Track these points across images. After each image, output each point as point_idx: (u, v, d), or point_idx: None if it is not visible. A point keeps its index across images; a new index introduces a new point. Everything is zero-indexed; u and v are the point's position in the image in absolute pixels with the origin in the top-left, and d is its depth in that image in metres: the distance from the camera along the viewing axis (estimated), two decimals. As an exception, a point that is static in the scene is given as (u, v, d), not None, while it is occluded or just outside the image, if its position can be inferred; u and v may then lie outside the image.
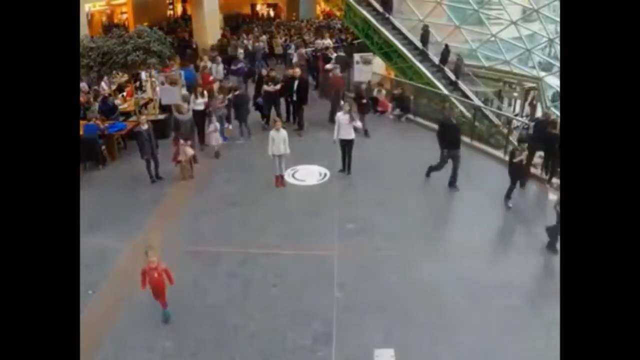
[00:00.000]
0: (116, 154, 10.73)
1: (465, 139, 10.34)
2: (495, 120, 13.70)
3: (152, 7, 25.32)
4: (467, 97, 15.06)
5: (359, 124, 9.53)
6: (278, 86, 11.81)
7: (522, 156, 8.34)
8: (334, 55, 14.58)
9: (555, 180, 8.97)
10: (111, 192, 9.15)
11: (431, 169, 9.21)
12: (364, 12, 16.90)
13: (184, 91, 11.34)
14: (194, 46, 19.45)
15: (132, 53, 10.35)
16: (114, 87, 12.96)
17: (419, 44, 16.36)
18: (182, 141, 9.31)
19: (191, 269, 6.71)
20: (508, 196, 8.35)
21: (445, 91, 14.48)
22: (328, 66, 14.06)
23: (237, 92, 11.53)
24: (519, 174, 8.41)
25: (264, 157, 9.15)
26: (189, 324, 5.71)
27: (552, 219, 7.03)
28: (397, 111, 13.12)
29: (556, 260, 6.71)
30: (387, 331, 5.54)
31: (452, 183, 8.93)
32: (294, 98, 11.68)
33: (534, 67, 17.98)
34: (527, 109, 16.46)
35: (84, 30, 13.57)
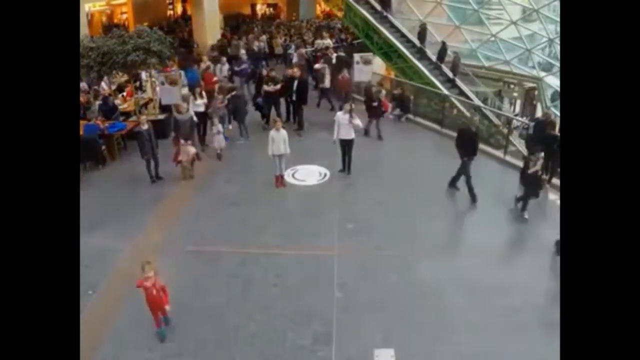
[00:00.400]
0: (116, 154, 10.72)
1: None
2: (495, 120, 13.69)
3: (152, 7, 25.33)
4: (464, 94, 15.05)
5: (358, 122, 9.44)
6: (278, 86, 11.81)
7: (537, 167, 7.99)
8: (334, 55, 14.59)
9: (555, 181, 8.97)
10: (111, 192, 9.15)
11: (454, 179, 8.86)
12: (364, 12, 16.91)
13: (185, 91, 11.33)
14: (195, 46, 19.45)
15: (132, 53, 10.34)
16: (114, 87, 12.95)
17: (416, 42, 16.36)
18: (182, 141, 9.31)
19: (191, 269, 6.72)
20: (524, 208, 8.04)
21: (445, 91, 14.48)
22: (317, 66, 14.12)
23: (234, 93, 11.53)
24: (535, 185, 8.04)
25: (264, 157, 9.14)
26: (189, 324, 5.71)
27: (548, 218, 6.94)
28: (397, 111, 13.12)
29: (556, 260, 6.72)
30: (387, 331, 5.55)
31: (453, 183, 8.93)
32: (294, 98, 11.69)
33: (534, 67, 17.99)
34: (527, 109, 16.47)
35: (84, 30, 13.58)
